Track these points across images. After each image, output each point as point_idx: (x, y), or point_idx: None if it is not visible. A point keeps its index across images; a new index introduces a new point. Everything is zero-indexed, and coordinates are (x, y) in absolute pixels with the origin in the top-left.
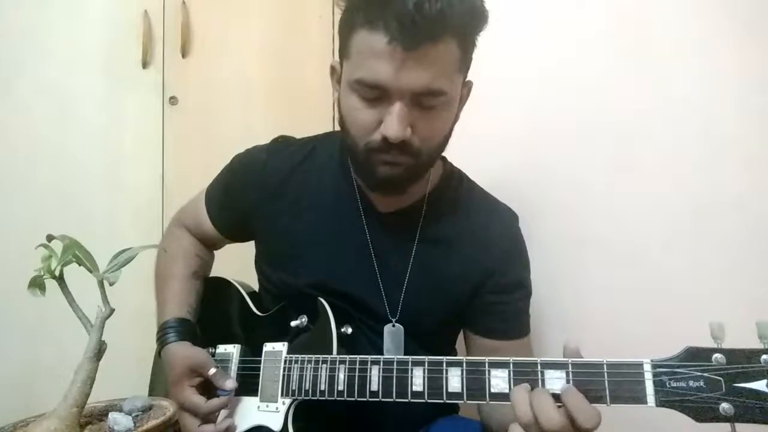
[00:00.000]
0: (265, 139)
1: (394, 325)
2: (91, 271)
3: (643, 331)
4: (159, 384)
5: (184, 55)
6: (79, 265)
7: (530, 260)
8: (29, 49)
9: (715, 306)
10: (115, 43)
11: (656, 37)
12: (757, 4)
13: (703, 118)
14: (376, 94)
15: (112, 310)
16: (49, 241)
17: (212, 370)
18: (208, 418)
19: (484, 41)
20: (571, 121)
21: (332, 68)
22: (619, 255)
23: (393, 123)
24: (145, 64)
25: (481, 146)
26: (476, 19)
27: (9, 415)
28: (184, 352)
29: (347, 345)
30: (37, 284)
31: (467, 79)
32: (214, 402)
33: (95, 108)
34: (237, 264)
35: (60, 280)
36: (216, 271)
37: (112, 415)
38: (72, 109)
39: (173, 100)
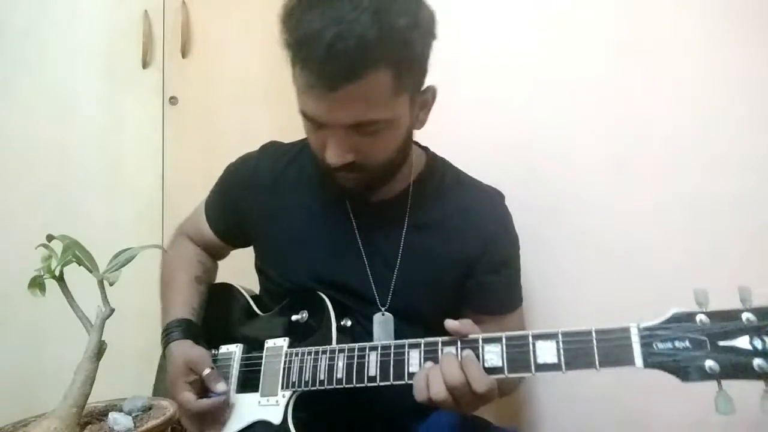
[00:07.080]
0: (264, 139)
1: (383, 314)
2: (91, 271)
3: None
4: (163, 384)
5: (184, 55)
6: (79, 265)
7: (529, 260)
8: (29, 49)
9: (715, 305)
10: (115, 43)
11: (656, 36)
12: (757, 3)
13: (703, 118)
14: (317, 123)
15: (112, 310)
16: (49, 241)
17: (206, 371)
18: (202, 417)
19: (484, 40)
20: (571, 120)
21: None
22: (618, 255)
23: (330, 151)
24: (145, 64)
25: (479, 145)
26: (401, 41)
27: (9, 416)
28: (184, 349)
29: (347, 336)
30: (37, 284)
31: (427, 85)
32: (204, 402)
33: (95, 108)
34: (237, 268)
35: (60, 280)
36: (217, 276)
37: (112, 415)
38: (72, 110)
39: (173, 100)
